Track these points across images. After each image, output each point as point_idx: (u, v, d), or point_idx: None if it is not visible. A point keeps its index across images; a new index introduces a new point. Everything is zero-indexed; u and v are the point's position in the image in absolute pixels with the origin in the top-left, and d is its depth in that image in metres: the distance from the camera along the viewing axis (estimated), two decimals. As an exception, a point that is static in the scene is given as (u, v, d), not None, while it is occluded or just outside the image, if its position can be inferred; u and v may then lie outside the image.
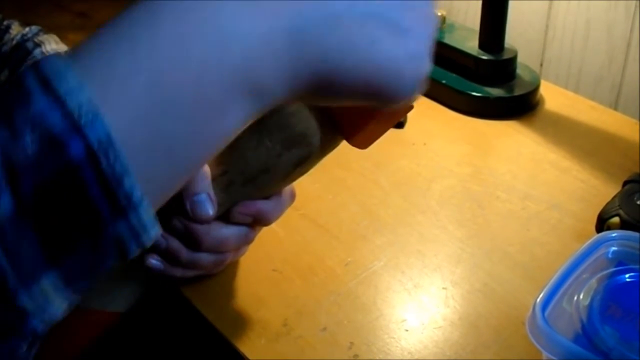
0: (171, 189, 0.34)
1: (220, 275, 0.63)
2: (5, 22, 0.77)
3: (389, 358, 0.56)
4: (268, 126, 0.54)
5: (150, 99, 0.31)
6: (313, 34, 0.35)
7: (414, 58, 0.38)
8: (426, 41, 0.39)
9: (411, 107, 0.54)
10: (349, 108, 0.54)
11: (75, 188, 0.29)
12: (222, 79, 0.33)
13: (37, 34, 0.76)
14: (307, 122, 0.55)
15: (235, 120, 0.34)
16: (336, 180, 0.75)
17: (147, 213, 0.31)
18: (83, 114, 0.29)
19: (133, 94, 0.31)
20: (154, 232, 0.32)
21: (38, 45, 0.74)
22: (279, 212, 0.59)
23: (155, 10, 0.33)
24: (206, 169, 0.55)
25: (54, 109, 0.29)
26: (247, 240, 0.60)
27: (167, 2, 0.33)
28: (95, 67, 0.31)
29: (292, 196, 0.60)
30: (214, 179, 0.56)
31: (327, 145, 0.56)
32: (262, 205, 0.57)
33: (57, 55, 0.31)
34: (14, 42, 0.74)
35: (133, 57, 0.31)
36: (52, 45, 0.75)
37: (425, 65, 0.39)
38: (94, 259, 0.31)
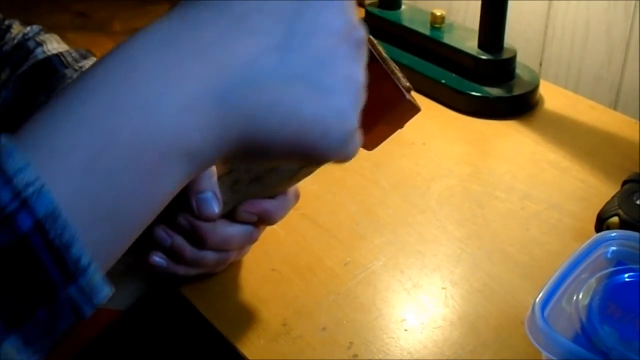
0: (119, 249, 0.36)
1: (220, 274, 0.63)
2: (6, 22, 0.77)
3: (389, 358, 0.56)
4: None
5: (90, 170, 0.33)
6: (238, 98, 0.36)
7: (339, 115, 0.39)
8: (350, 98, 0.40)
9: (419, 110, 0.55)
10: None
11: (28, 258, 0.31)
12: (155, 147, 0.34)
13: (38, 34, 0.76)
14: None
15: (172, 182, 0.36)
16: (335, 180, 0.75)
17: (96, 276, 0.33)
18: (30, 190, 0.31)
19: (74, 168, 0.33)
20: (105, 292, 0.34)
21: (39, 44, 0.74)
22: (284, 211, 0.59)
23: (90, 84, 0.35)
24: (212, 167, 0.55)
25: (3, 188, 0.31)
26: (251, 239, 0.60)
27: (100, 76, 0.35)
28: (39, 144, 0.33)
29: (297, 196, 0.60)
30: (219, 177, 0.56)
31: None
32: (267, 204, 0.57)
33: (5, 135, 0.33)
34: (15, 41, 0.74)
35: (72, 132, 0.33)
36: (54, 44, 0.75)
37: (351, 121, 0.40)
38: (51, 321, 0.33)
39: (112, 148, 0.33)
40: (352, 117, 0.40)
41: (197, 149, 0.36)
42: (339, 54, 0.39)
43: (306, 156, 0.40)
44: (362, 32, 0.40)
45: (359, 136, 0.42)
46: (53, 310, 0.33)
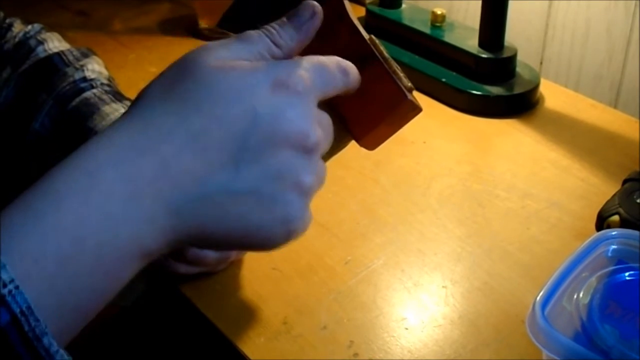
0: (79, 329, 0.42)
1: (220, 273, 0.63)
2: (7, 20, 0.77)
3: (389, 356, 0.57)
4: None
5: (57, 274, 0.38)
6: (190, 212, 0.41)
7: (283, 222, 0.44)
8: (299, 204, 0.44)
9: (420, 110, 0.55)
10: (359, 110, 0.54)
11: (5, 347, 0.36)
12: (116, 254, 0.40)
13: (39, 32, 0.76)
14: None
15: (127, 276, 0.42)
16: (336, 179, 0.75)
17: (62, 358, 0.39)
18: (7, 289, 0.36)
19: (45, 270, 0.37)
20: None
21: (41, 42, 0.74)
22: None
23: (57, 193, 0.39)
24: None
25: None
26: None
27: (66, 187, 0.39)
28: (13, 247, 0.37)
29: None
30: None
31: (336, 146, 0.56)
32: None
33: None
34: (17, 39, 0.74)
35: (42, 240, 0.38)
36: (55, 43, 0.75)
37: (296, 225, 0.44)
38: None
39: (79, 256, 0.38)
40: (298, 221, 0.44)
41: (152, 251, 0.41)
42: (289, 166, 0.43)
43: (247, 248, 0.49)
44: (314, 139, 0.44)
45: (308, 220, 0.46)
46: None
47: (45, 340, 0.37)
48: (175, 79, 0.43)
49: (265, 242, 0.44)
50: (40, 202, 0.39)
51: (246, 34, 0.46)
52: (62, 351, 0.38)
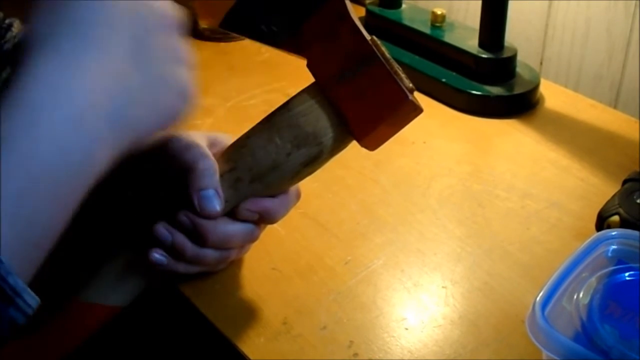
0: (41, 259, 0.43)
1: (220, 273, 0.63)
2: (6, 21, 0.77)
3: (389, 357, 0.56)
4: (278, 125, 0.54)
5: (18, 211, 0.40)
6: (121, 116, 0.45)
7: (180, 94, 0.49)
8: (173, 65, 0.49)
9: (421, 110, 0.55)
10: (360, 110, 0.54)
11: None
12: (71, 182, 0.42)
13: (38, 32, 0.75)
14: (318, 122, 0.55)
15: (82, 197, 0.44)
16: (336, 179, 0.75)
17: (29, 295, 0.41)
18: None
19: (5, 210, 0.39)
20: (35, 304, 0.42)
21: None
22: (285, 210, 0.59)
23: (6, 135, 0.41)
24: (215, 164, 0.56)
25: None
26: (252, 238, 0.60)
27: (15, 125, 0.41)
28: None
29: (298, 195, 0.60)
30: (221, 175, 0.56)
31: (337, 146, 0.57)
32: (269, 203, 0.58)
33: None
34: (16, 39, 0.74)
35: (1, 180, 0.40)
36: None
37: (179, 80, 0.49)
38: None
39: (35, 191, 0.41)
40: (188, 87, 0.49)
41: (102, 169, 0.44)
42: (166, 46, 0.48)
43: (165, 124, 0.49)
44: (172, 18, 0.49)
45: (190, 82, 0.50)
46: None
47: (11, 280, 0.40)
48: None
49: (175, 117, 0.49)
50: None
51: None
52: (28, 289, 0.41)
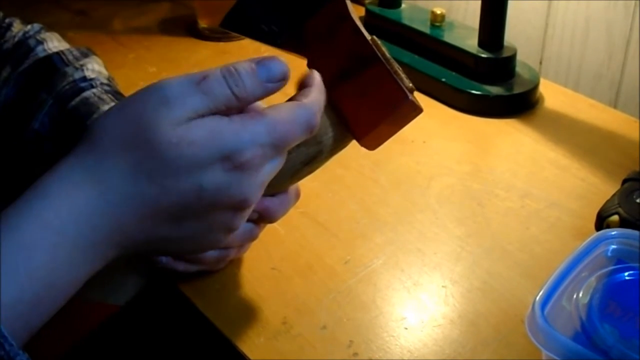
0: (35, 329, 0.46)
1: (220, 273, 0.63)
2: (6, 20, 0.77)
3: (389, 356, 0.57)
4: None
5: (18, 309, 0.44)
6: (134, 248, 0.48)
7: (209, 247, 0.54)
8: (223, 240, 0.51)
9: (421, 110, 0.55)
10: (360, 109, 0.54)
11: None
12: (66, 288, 0.46)
13: (38, 32, 0.76)
14: None
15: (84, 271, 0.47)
16: (335, 179, 0.75)
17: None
18: None
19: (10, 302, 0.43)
20: None
21: (40, 42, 0.74)
22: (285, 210, 0.59)
23: (27, 245, 0.44)
24: None
25: None
26: (251, 237, 0.60)
27: (36, 239, 0.44)
28: None
29: (297, 195, 0.60)
30: None
31: (336, 145, 0.57)
32: (268, 202, 0.58)
33: None
34: (16, 39, 0.74)
35: (15, 279, 0.43)
36: (54, 42, 0.75)
37: (219, 245, 0.53)
38: None
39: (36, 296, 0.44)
40: (221, 243, 0.52)
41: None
42: (225, 221, 0.50)
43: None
44: (250, 205, 0.50)
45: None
46: None
47: (7, 345, 0.42)
48: (131, 140, 0.46)
49: (191, 252, 0.57)
50: (10, 254, 0.43)
51: (208, 82, 0.47)
52: (21, 354, 0.43)
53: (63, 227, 0.44)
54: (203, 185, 0.46)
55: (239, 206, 0.49)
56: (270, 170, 0.50)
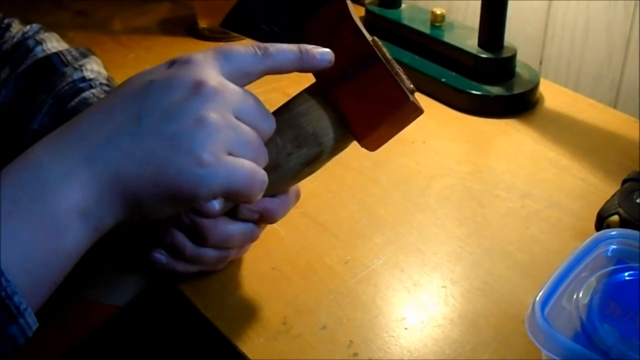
0: (44, 295, 0.46)
1: (220, 273, 0.63)
2: (5, 21, 0.77)
3: (389, 356, 0.57)
4: (279, 125, 0.54)
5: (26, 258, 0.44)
6: (102, 158, 0.46)
7: (187, 153, 0.47)
8: (202, 136, 0.47)
9: (422, 111, 0.55)
10: (361, 110, 0.54)
11: None
12: (50, 212, 0.45)
13: (37, 32, 0.76)
14: (318, 122, 0.55)
15: (72, 240, 0.46)
16: (335, 179, 0.75)
17: (30, 317, 0.44)
18: None
19: (16, 253, 0.43)
20: (35, 327, 0.45)
21: (39, 43, 0.74)
22: (285, 210, 0.59)
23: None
24: None
25: None
26: (251, 238, 0.60)
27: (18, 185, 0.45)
28: None
29: (298, 195, 0.60)
30: None
31: (337, 146, 0.57)
32: (269, 202, 0.58)
33: None
34: (15, 40, 0.74)
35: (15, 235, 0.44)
36: (53, 43, 0.75)
37: (204, 155, 0.47)
38: None
39: (16, 212, 0.44)
40: (205, 152, 0.47)
41: (86, 207, 0.46)
42: (186, 106, 0.47)
43: (176, 194, 0.47)
44: (210, 85, 0.48)
45: (229, 166, 0.48)
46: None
47: (16, 299, 0.43)
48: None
49: (180, 177, 0.47)
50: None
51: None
52: (30, 310, 0.44)
53: (37, 159, 0.46)
54: (153, 79, 0.49)
55: (196, 89, 0.48)
56: (221, 63, 0.51)
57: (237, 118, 0.49)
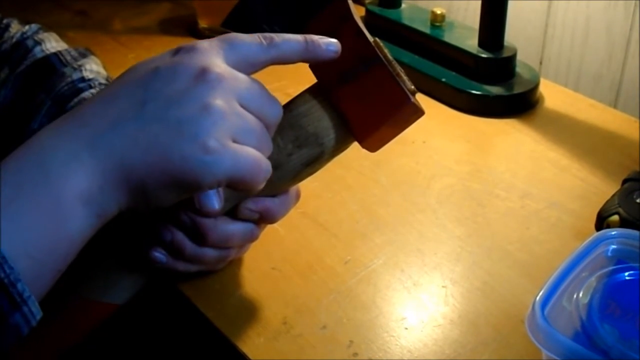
0: (47, 282, 0.46)
1: (220, 273, 0.63)
2: (4, 21, 0.77)
3: (389, 356, 0.57)
4: (280, 125, 0.54)
5: (29, 246, 0.44)
6: (105, 143, 0.46)
7: (193, 140, 0.46)
8: (207, 123, 0.47)
9: (423, 113, 0.55)
10: (362, 111, 0.54)
11: None
12: (52, 197, 0.44)
13: (36, 32, 0.76)
14: (319, 123, 0.55)
15: (75, 226, 0.46)
16: (336, 179, 0.75)
17: (34, 305, 0.44)
18: None
19: (19, 240, 0.43)
20: (39, 316, 0.45)
21: (38, 43, 0.74)
22: (285, 210, 0.59)
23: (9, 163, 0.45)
24: None
25: None
26: (252, 238, 0.60)
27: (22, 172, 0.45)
28: None
29: (298, 195, 0.60)
30: None
31: (338, 147, 0.57)
32: (269, 202, 0.58)
33: None
34: (14, 40, 0.74)
35: (16, 226, 0.43)
36: (52, 43, 0.75)
37: (210, 141, 0.47)
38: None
39: (19, 198, 0.43)
40: (210, 138, 0.46)
41: (89, 193, 0.45)
42: (191, 92, 0.47)
43: (181, 181, 0.47)
44: (215, 72, 0.48)
45: (235, 153, 0.48)
46: (2, 332, 0.43)
47: (19, 286, 0.42)
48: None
49: (185, 164, 0.46)
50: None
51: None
52: (34, 298, 0.44)
53: (43, 148, 0.46)
54: (158, 65, 0.49)
55: (201, 76, 0.48)
56: (226, 51, 0.51)
57: (242, 105, 0.49)
